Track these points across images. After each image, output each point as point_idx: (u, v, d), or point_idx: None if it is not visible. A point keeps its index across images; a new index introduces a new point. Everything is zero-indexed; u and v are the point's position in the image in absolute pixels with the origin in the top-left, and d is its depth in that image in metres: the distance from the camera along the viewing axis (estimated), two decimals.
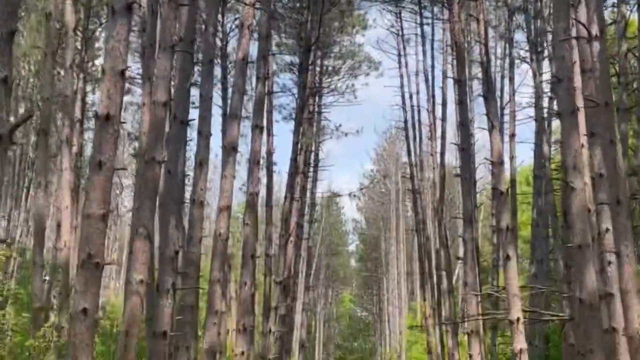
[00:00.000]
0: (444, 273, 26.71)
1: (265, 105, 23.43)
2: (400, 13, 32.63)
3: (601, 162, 12.48)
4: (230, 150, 14.91)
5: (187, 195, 15.23)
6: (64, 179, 15.26)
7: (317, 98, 30.17)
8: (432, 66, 30.75)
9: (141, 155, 13.21)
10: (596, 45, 12.04)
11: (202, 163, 13.93)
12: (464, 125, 20.04)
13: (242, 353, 18.30)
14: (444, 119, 28.40)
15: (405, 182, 52.87)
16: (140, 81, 21.00)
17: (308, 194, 30.54)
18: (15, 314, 14.42)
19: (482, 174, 35.77)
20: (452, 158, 47.39)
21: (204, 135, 13.94)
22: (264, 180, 27.36)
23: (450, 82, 28.00)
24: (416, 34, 32.07)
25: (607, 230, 12.32)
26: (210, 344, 15.10)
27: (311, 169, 30.38)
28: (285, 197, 25.24)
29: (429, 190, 33.26)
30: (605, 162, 11.85)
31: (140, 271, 9.63)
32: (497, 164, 15.38)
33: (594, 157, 12.63)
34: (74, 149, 19.52)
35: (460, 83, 19.97)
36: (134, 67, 28.59)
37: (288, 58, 30.52)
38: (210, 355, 15.09)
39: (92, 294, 8.18)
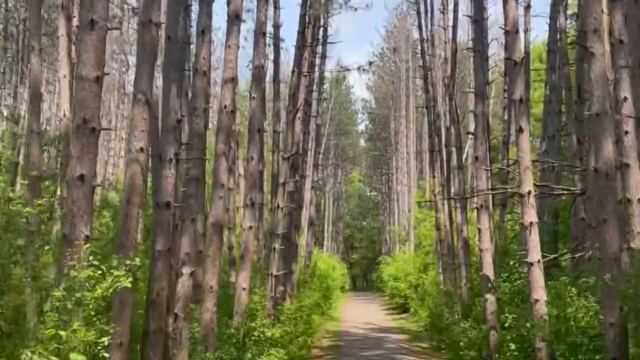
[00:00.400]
0: (453, 149, 26.39)
1: None
2: None
3: (622, 27, 11.92)
4: (234, 19, 14.31)
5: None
6: (61, 46, 14.69)
7: None
8: None
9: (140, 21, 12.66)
10: None
11: (204, 31, 13.36)
12: None
13: (250, 227, 18.24)
14: None
15: (415, 61, 51.98)
16: None
17: (316, 70, 29.90)
18: (20, 186, 14.30)
19: (494, 50, 34.92)
20: (464, 35, 46.41)
21: (207, 0, 13.31)
22: (272, 56, 26.74)
23: None
24: None
25: (626, 99, 11.89)
26: (216, 217, 14.96)
27: (319, 45, 29.60)
28: (293, 72, 24.60)
29: (439, 67, 32.60)
30: (628, 26, 11.29)
31: (139, 138, 9.29)
32: (511, 33, 14.71)
33: (615, 23, 12.04)
34: (74, 21, 18.86)
35: None
36: None
37: None
38: (217, 229, 14.98)
39: (88, 160, 7.88)
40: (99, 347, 6.79)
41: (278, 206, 21.82)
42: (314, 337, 25.09)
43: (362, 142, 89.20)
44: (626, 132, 11.78)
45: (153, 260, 10.99)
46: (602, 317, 10.97)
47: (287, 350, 18.41)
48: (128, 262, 7.45)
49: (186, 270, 12.63)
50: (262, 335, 17.09)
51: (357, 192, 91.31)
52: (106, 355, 6.96)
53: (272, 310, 19.49)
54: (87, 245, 7.30)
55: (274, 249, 20.84)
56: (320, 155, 45.05)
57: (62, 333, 6.32)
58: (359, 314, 38.41)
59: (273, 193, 23.41)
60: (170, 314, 11.96)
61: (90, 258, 7.11)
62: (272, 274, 20.18)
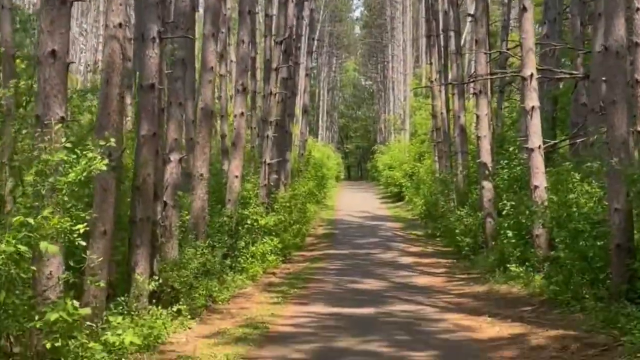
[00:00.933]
0: (452, 34, 25.51)
1: None
2: None
3: None
4: None
5: None
6: None
7: None
8: None
9: None
10: None
11: None
12: None
13: (242, 114, 17.70)
14: None
15: None
16: None
17: None
18: None
19: None
20: None
21: None
22: None
23: None
24: None
25: None
26: (205, 102, 14.41)
27: None
28: None
29: None
30: None
31: (117, 13, 8.62)
32: None
33: None
34: None
35: None
36: None
37: None
38: (206, 114, 14.46)
39: (60, 35, 7.26)
40: (75, 235, 6.34)
41: (271, 92, 21.19)
42: (308, 226, 24.98)
43: (357, 30, 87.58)
44: (637, 9, 11.08)
45: (138, 146, 10.49)
46: (607, 203, 10.62)
47: (281, 238, 18.22)
48: (102, 142, 6.93)
49: (174, 156, 12.16)
50: (255, 224, 16.85)
51: (352, 81, 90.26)
52: (83, 243, 6.52)
53: (266, 198, 19.20)
54: (60, 125, 6.74)
55: (267, 136, 20.34)
56: (315, 42, 43.98)
57: (31, 220, 5.86)
58: (353, 203, 38.34)
59: (266, 79, 22.66)
60: (158, 202, 11.55)
61: (63, 140, 6.58)
62: (265, 162, 19.78)
